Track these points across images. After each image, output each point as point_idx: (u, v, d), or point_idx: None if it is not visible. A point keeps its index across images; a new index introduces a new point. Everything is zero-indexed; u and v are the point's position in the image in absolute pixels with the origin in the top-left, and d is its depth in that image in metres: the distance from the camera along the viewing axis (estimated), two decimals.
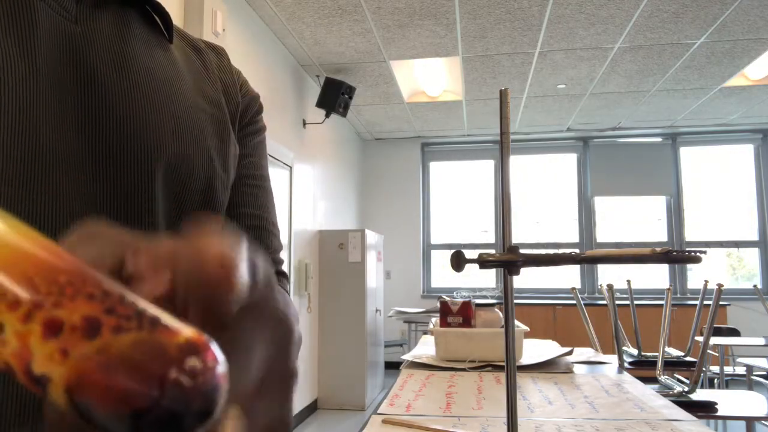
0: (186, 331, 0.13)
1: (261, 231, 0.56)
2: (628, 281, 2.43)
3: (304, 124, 4.56)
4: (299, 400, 4.31)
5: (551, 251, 0.76)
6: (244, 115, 0.57)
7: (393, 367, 5.19)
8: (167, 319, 0.13)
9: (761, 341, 3.88)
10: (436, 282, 6.70)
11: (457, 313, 1.84)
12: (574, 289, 2.46)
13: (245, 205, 0.55)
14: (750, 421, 2.26)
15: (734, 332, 4.37)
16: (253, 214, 0.55)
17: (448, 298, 1.89)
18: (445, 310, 1.85)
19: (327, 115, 4.37)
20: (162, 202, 0.44)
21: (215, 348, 0.13)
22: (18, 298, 0.12)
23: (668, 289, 2.20)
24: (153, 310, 0.13)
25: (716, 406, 2.07)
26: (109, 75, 0.43)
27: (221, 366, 0.13)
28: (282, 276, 0.56)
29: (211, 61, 0.56)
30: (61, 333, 0.12)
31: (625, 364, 1.99)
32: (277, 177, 3.94)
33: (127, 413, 0.12)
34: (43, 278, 0.12)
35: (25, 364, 0.12)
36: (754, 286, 3.36)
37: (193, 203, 0.47)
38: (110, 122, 0.42)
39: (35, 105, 0.38)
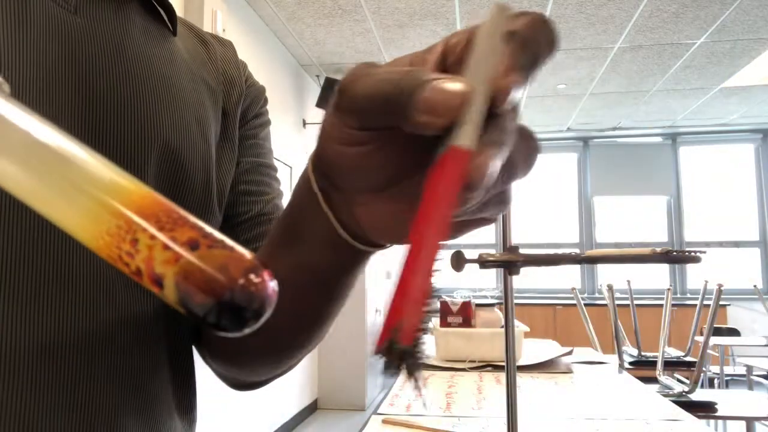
0: (250, 255, 0.19)
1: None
2: (628, 281, 2.43)
3: (304, 124, 4.56)
4: (299, 400, 4.31)
5: (551, 251, 0.76)
6: (252, 107, 0.56)
7: None
8: (239, 247, 0.20)
9: (761, 341, 3.88)
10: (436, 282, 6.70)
11: (457, 313, 1.84)
12: (574, 289, 2.46)
13: (263, 194, 0.55)
14: (750, 421, 2.26)
15: (734, 332, 4.37)
16: (269, 205, 0.55)
17: (448, 298, 1.90)
18: (445, 310, 1.85)
19: None
20: (154, 188, 0.42)
21: (269, 271, 0.19)
22: (148, 224, 0.19)
23: (668, 289, 2.20)
24: (230, 241, 0.20)
25: (716, 406, 2.07)
26: (107, 66, 0.42)
27: (273, 283, 0.19)
28: None
29: (215, 53, 0.55)
30: (174, 245, 0.19)
31: (625, 364, 1.99)
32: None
33: (212, 303, 0.18)
34: (164, 214, 0.20)
35: (150, 266, 0.19)
36: (754, 286, 3.36)
37: (191, 197, 0.46)
38: (105, 113, 0.41)
39: (30, 97, 0.37)
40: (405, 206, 0.29)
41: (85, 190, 0.21)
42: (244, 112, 0.55)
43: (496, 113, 0.23)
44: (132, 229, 0.19)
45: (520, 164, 0.26)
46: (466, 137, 0.22)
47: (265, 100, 0.59)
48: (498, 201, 0.27)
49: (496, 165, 0.23)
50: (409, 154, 0.27)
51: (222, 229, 0.51)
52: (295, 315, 0.40)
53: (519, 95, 0.23)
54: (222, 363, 0.50)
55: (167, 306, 0.45)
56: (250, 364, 0.49)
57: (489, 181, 0.22)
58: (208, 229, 0.20)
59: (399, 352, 0.21)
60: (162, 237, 0.19)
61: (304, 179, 0.33)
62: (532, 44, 0.24)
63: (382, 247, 0.34)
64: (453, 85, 0.23)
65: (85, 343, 0.38)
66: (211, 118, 0.50)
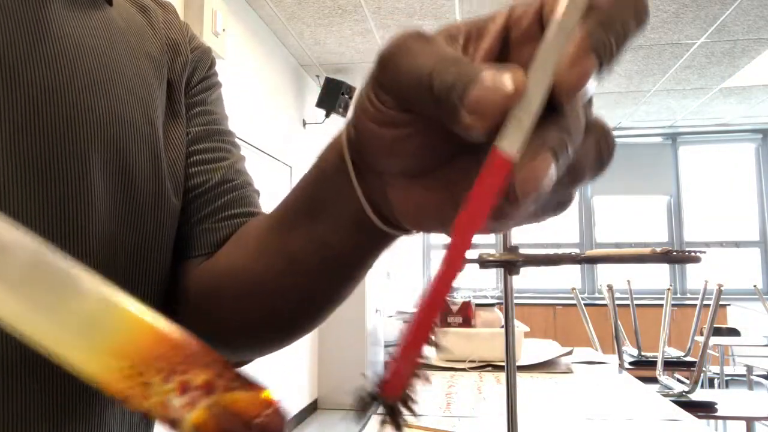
0: (264, 390, 0.20)
1: (241, 188, 0.50)
2: (628, 281, 2.43)
3: (304, 124, 4.56)
4: (299, 400, 4.31)
5: (551, 251, 0.76)
6: (197, 72, 0.51)
7: None
8: (254, 380, 0.20)
9: (761, 341, 3.88)
10: None
11: (457, 313, 1.84)
12: (574, 289, 2.46)
13: (221, 159, 0.49)
14: (750, 421, 2.26)
15: (734, 332, 4.37)
16: (230, 171, 0.50)
17: (448, 298, 1.90)
18: (445, 310, 1.85)
19: (327, 115, 4.37)
20: (101, 187, 0.38)
21: (281, 403, 0.20)
22: (161, 367, 0.19)
23: (668, 289, 2.20)
24: (245, 374, 0.20)
25: (716, 406, 2.07)
26: (27, 46, 0.35)
27: (285, 415, 0.20)
28: None
29: (157, 18, 0.49)
30: (189, 391, 0.19)
31: (625, 364, 1.99)
32: (277, 177, 3.94)
33: None
34: (175, 352, 0.19)
35: (165, 410, 0.19)
36: (754, 286, 3.36)
37: (141, 193, 0.41)
38: (31, 107, 0.35)
39: None
40: (444, 194, 0.26)
41: (88, 331, 0.19)
42: (188, 78, 0.50)
43: (561, 109, 0.20)
44: (142, 372, 0.19)
45: (588, 166, 0.22)
46: (510, 140, 0.19)
47: (213, 62, 0.54)
48: (554, 206, 0.24)
49: (548, 175, 0.19)
50: (451, 139, 0.23)
51: (183, 207, 0.46)
52: (302, 295, 0.38)
53: (590, 86, 0.20)
54: (207, 340, 0.44)
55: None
56: (240, 346, 0.45)
57: (537, 194, 0.19)
58: (222, 362, 0.19)
59: (387, 407, 0.21)
60: (175, 383, 0.19)
61: (335, 151, 0.30)
62: (615, 20, 0.19)
63: (409, 232, 0.31)
64: (502, 78, 0.19)
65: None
66: (157, 97, 0.45)
